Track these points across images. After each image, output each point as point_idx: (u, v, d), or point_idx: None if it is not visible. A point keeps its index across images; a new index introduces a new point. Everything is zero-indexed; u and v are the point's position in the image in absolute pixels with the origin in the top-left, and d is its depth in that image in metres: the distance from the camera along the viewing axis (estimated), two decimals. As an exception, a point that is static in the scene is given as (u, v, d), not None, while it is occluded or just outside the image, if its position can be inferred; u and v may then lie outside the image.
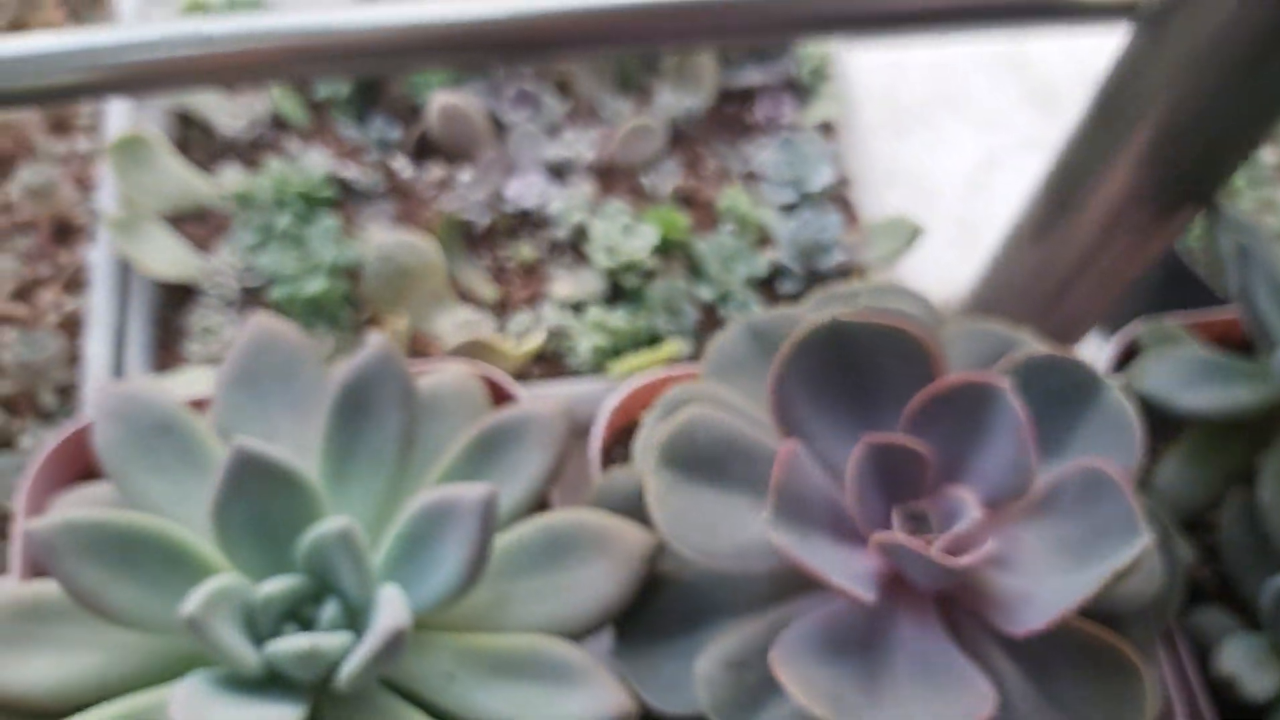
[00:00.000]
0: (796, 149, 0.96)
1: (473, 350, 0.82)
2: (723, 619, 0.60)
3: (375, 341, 0.58)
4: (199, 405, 0.67)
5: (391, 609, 0.50)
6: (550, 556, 0.59)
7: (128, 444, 0.58)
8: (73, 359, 0.83)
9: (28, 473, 0.65)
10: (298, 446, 0.62)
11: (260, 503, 0.52)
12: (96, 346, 0.81)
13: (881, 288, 0.71)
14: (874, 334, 0.58)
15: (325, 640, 0.50)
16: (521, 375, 0.87)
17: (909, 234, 0.88)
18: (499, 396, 0.71)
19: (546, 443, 0.62)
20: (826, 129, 1.01)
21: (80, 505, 0.61)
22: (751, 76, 1.01)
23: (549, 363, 0.88)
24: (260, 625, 0.52)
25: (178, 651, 0.55)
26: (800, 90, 1.02)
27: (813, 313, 0.68)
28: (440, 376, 0.68)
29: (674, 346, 0.83)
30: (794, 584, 0.59)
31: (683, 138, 0.99)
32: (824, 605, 0.57)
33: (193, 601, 0.47)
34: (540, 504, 0.64)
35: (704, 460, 0.57)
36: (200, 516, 0.57)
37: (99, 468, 0.58)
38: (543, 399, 0.63)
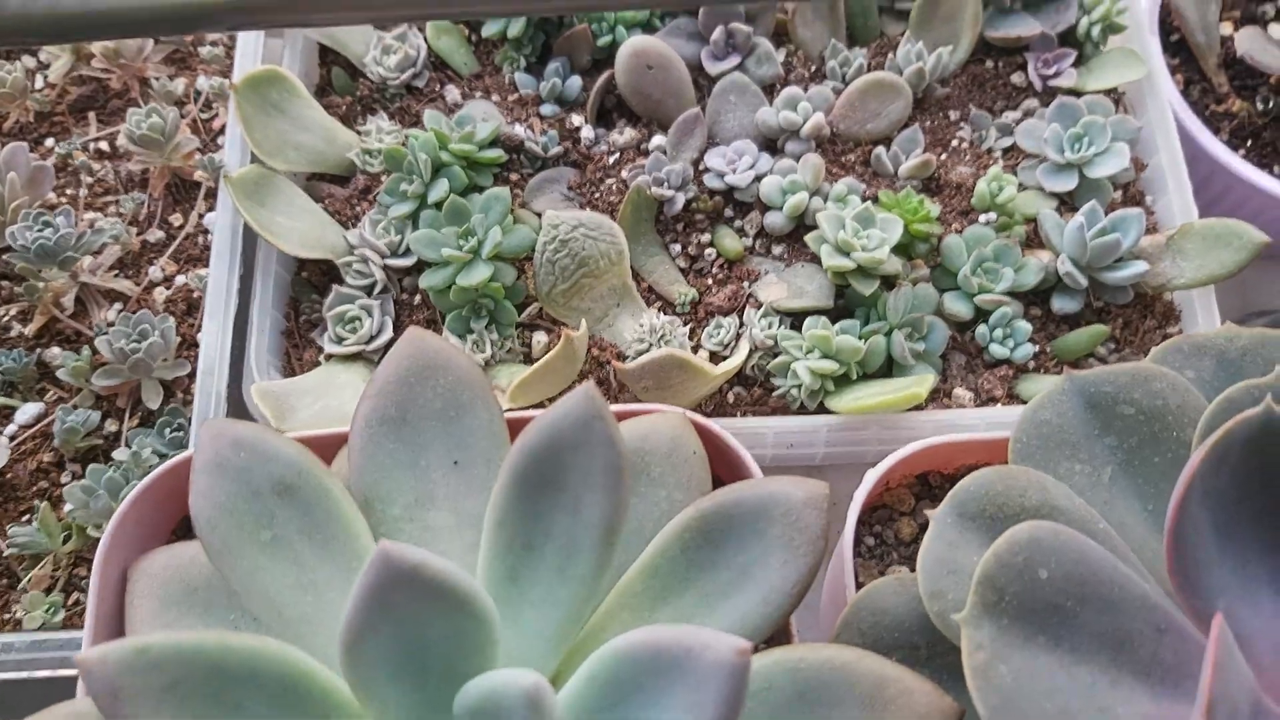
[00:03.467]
0: (1079, 120, 0.74)
1: (662, 368, 0.65)
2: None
3: (580, 392, 0.41)
4: (331, 444, 0.51)
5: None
6: (800, 715, 0.42)
7: (235, 509, 0.43)
8: (184, 346, 0.69)
9: (115, 516, 0.50)
10: (458, 519, 0.45)
11: (412, 630, 0.36)
12: (212, 334, 0.66)
13: (1269, 339, 0.50)
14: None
15: None
16: (714, 402, 0.69)
17: (1246, 248, 0.66)
18: (711, 452, 0.53)
19: (797, 542, 0.44)
20: (1114, 99, 0.79)
21: (166, 583, 0.46)
22: (1021, 25, 0.79)
23: (750, 386, 0.69)
24: (402, 807, 0.36)
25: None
26: (1083, 45, 0.80)
27: (1160, 366, 0.48)
28: (645, 426, 0.50)
29: (926, 381, 0.64)
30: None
31: (930, 100, 0.79)
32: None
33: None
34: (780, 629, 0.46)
35: (1046, 607, 0.39)
36: (331, 622, 0.42)
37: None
38: (793, 479, 0.45)
